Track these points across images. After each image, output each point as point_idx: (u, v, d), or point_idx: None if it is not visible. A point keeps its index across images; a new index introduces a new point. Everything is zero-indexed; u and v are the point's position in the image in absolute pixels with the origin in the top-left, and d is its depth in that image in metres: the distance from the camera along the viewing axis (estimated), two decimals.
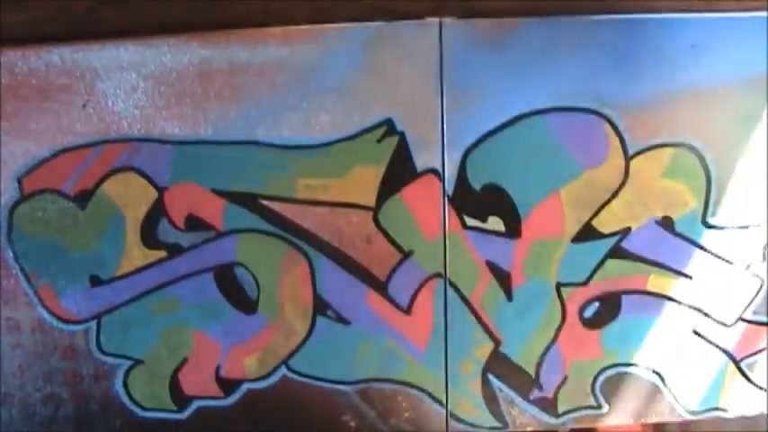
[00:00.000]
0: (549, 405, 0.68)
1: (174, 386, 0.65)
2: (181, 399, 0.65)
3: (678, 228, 0.88)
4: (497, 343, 0.67)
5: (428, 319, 0.63)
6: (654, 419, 0.77)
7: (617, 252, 0.83)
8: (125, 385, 0.65)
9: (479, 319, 0.66)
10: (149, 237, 0.62)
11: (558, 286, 0.76)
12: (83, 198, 0.61)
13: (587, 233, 0.82)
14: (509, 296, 0.68)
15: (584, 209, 0.83)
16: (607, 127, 0.82)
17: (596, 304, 0.74)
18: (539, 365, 0.68)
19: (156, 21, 0.61)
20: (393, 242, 0.62)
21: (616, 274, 0.82)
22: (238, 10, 0.61)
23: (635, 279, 0.84)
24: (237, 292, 0.63)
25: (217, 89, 0.60)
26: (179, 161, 0.61)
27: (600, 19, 0.64)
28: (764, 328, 0.72)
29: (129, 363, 0.64)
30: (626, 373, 0.79)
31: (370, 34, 0.60)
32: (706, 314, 0.87)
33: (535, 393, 0.69)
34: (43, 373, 0.65)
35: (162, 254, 0.62)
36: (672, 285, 0.85)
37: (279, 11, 0.61)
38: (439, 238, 0.62)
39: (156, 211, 0.62)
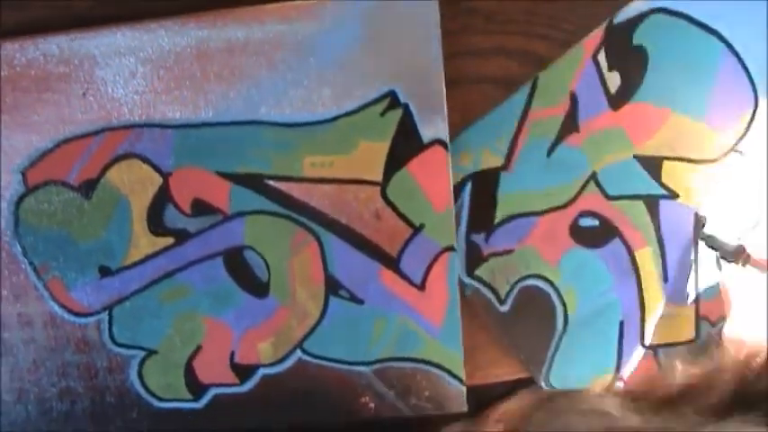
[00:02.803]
0: (473, 259, 0.66)
1: (189, 375, 0.64)
2: (196, 387, 0.64)
3: None
4: (506, 166, 0.65)
5: (443, 295, 0.62)
6: None
7: None
8: (140, 376, 0.64)
9: (517, 134, 0.63)
10: (156, 223, 0.61)
11: None
12: (88, 187, 0.61)
13: None
14: (556, 143, 0.65)
15: None
16: None
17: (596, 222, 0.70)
18: (507, 220, 0.65)
19: (153, 8, 0.61)
20: (403, 217, 0.61)
21: None
22: None
23: None
24: (248, 276, 0.62)
25: (216, 70, 0.59)
26: (182, 145, 0.60)
27: None
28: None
29: (142, 353, 0.63)
30: None
31: (368, 6, 0.59)
32: None
33: (479, 238, 0.66)
34: (57, 367, 0.65)
35: (169, 240, 0.61)
36: None
37: None
38: (449, 210, 0.61)
39: (162, 197, 0.61)
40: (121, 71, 0.59)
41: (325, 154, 0.60)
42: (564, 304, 0.64)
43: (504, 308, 0.64)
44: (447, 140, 0.60)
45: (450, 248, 0.61)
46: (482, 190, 0.63)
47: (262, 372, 0.64)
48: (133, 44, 0.59)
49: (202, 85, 0.59)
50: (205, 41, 0.59)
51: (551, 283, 0.63)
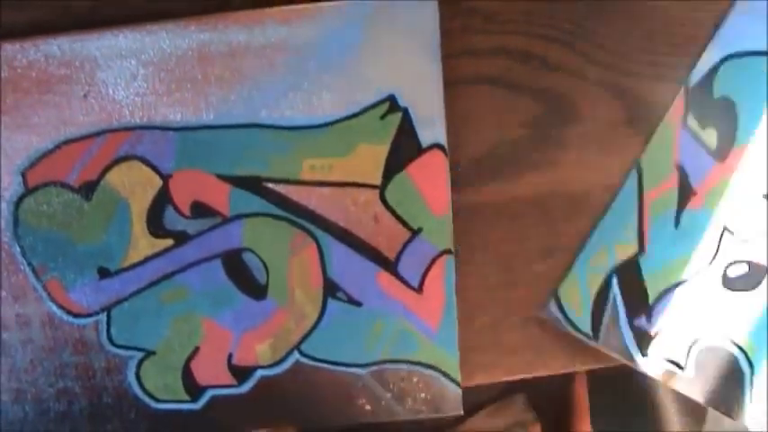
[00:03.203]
0: (643, 341, 0.64)
1: (187, 376, 0.64)
2: (194, 389, 0.64)
3: None
4: (641, 250, 0.64)
5: (440, 297, 0.62)
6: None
7: None
8: (137, 377, 0.64)
9: (641, 218, 0.63)
10: (156, 225, 0.61)
11: None
12: (88, 189, 0.61)
13: None
14: (680, 212, 0.65)
15: None
16: None
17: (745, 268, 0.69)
18: (661, 296, 0.65)
19: (155, 9, 0.61)
20: (401, 220, 0.61)
21: None
22: None
23: None
24: (246, 278, 0.62)
25: (217, 73, 0.60)
26: (182, 147, 0.60)
27: None
28: None
29: (140, 354, 0.64)
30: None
31: (368, 11, 0.60)
32: None
33: (641, 321, 0.65)
34: (55, 368, 0.65)
35: (169, 242, 0.62)
36: None
37: None
38: (447, 214, 0.61)
39: (162, 199, 0.61)
40: (122, 73, 0.60)
41: (325, 157, 0.61)
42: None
43: (689, 373, 0.66)
44: (445, 144, 0.60)
45: (448, 252, 0.62)
46: (628, 279, 0.64)
47: (260, 373, 0.64)
48: (134, 46, 0.59)
49: (203, 88, 0.60)
50: (206, 44, 0.59)
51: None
